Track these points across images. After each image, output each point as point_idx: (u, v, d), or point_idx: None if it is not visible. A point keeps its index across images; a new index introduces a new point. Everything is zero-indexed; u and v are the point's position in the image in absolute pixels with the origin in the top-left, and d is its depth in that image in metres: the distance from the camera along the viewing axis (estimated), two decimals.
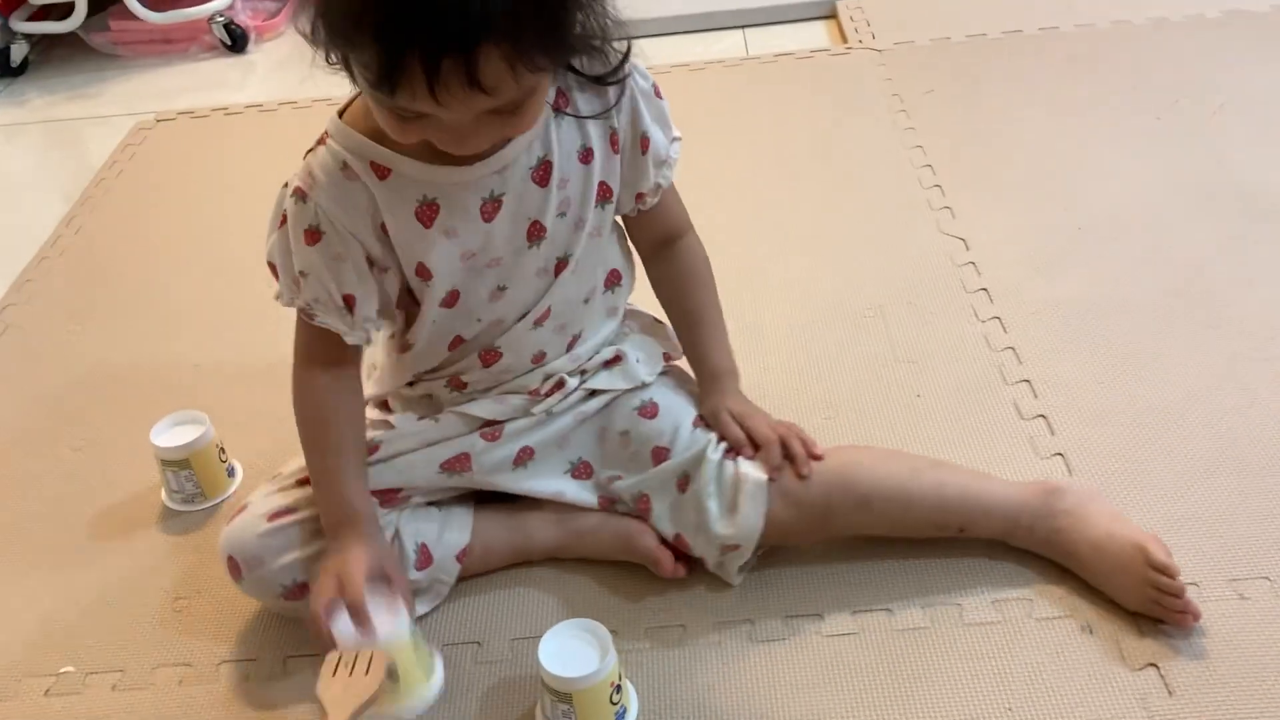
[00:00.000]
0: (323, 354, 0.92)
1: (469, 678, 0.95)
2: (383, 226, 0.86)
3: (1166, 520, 1.02)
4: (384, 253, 0.87)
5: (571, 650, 0.86)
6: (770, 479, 0.95)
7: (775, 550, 1.00)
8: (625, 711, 0.89)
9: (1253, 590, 0.95)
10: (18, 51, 2.18)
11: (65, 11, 2.14)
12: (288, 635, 0.99)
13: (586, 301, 0.98)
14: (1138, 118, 1.64)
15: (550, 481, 1.01)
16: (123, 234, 1.65)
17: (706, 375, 1.03)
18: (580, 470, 1.01)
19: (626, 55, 0.86)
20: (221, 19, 2.16)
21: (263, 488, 0.98)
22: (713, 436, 0.99)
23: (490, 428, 0.98)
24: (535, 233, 0.90)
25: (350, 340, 0.90)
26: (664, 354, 1.05)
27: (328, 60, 0.75)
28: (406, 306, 0.92)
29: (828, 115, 1.75)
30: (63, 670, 1.00)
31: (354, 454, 0.93)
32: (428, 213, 0.86)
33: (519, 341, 0.96)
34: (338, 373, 0.93)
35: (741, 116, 1.77)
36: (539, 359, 0.98)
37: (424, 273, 0.88)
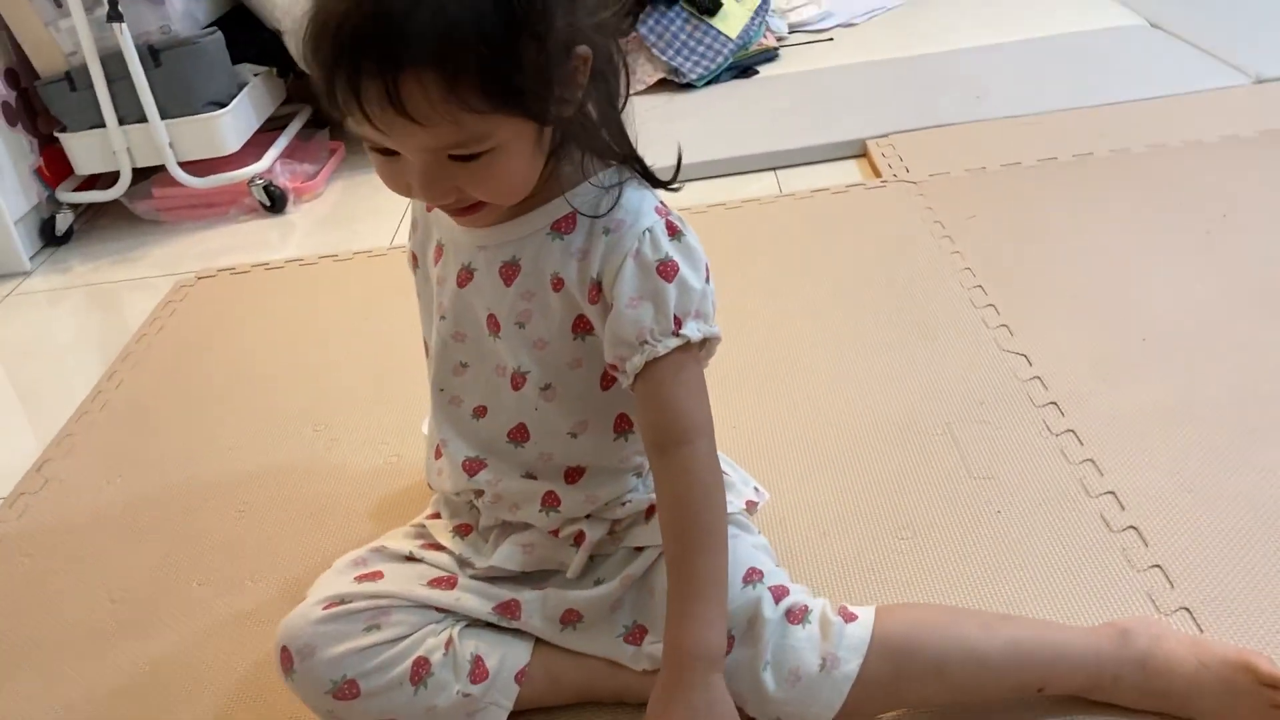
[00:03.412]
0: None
1: None
2: (425, 251, 0.96)
3: (1273, 622, 0.94)
4: (422, 274, 0.98)
5: None
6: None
7: None
8: None
9: None
10: (63, 221, 2.22)
11: (110, 181, 2.19)
12: None
13: (575, 436, 0.92)
14: (1185, 232, 1.63)
15: (603, 644, 0.93)
16: (165, 387, 1.63)
17: (670, 651, 0.84)
18: (635, 635, 0.93)
19: (617, 199, 0.82)
20: (261, 181, 2.20)
21: (320, 580, 0.94)
22: (765, 592, 0.89)
23: (534, 577, 0.94)
24: (492, 326, 0.89)
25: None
26: None
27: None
28: None
29: (872, 245, 1.74)
30: None
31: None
32: (438, 252, 0.93)
33: (500, 453, 0.93)
34: None
35: (782, 251, 1.76)
36: (532, 478, 0.93)
37: (435, 299, 0.94)
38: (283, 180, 2.25)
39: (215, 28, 2.20)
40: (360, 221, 2.12)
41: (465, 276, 0.88)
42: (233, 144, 2.17)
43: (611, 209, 0.83)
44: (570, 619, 0.94)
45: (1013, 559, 1.07)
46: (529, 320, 0.87)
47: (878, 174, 2.00)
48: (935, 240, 1.71)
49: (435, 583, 0.94)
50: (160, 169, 2.17)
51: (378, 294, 1.75)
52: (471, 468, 0.94)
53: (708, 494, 0.84)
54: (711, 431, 0.86)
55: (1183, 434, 1.21)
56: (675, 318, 0.82)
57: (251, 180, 2.20)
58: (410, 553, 0.97)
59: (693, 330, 0.83)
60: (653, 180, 0.86)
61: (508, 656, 0.92)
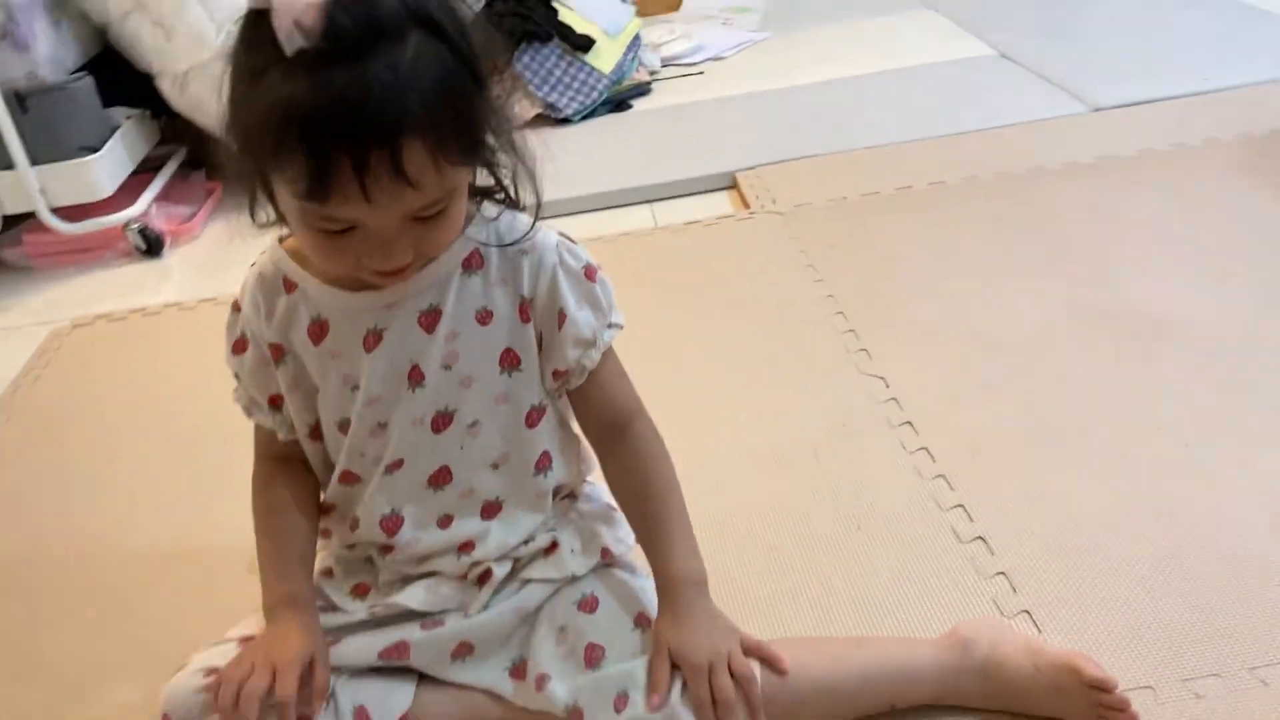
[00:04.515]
0: (267, 448, 0.99)
1: None
2: (289, 338, 0.92)
3: (1111, 629, 1.04)
4: (293, 361, 0.93)
5: None
6: None
7: None
8: None
9: (1206, 688, 0.97)
10: None
11: None
12: None
13: (496, 468, 0.97)
14: (1029, 257, 1.74)
15: (490, 677, 0.97)
16: (41, 440, 1.61)
17: (663, 583, 0.95)
18: (519, 670, 0.97)
19: (536, 216, 0.89)
20: (136, 225, 2.19)
21: (203, 648, 0.95)
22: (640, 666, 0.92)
23: (428, 617, 0.97)
24: (415, 377, 0.91)
25: (282, 436, 0.97)
26: (604, 548, 1.00)
27: (252, 199, 0.81)
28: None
29: (742, 275, 1.82)
30: None
31: (302, 541, 0.97)
32: (317, 331, 0.91)
33: (419, 500, 0.96)
34: (286, 465, 0.99)
35: (656, 282, 1.83)
36: (447, 525, 0.97)
37: (314, 388, 0.93)
38: (159, 223, 2.24)
39: (85, 72, 2.18)
40: (240, 263, 2.10)
41: (373, 340, 0.90)
42: (106, 188, 2.16)
43: (525, 235, 0.90)
44: (462, 652, 0.97)
45: (872, 575, 1.15)
46: (456, 361, 0.91)
47: (747, 205, 2.09)
48: (800, 269, 1.80)
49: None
50: (31, 215, 2.14)
51: None
52: (390, 525, 0.96)
53: (662, 455, 0.98)
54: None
55: (1026, 451, 1.31)
56: (606, 313, 0.94)
57: (126, 224, 2.18)
58: None
59: (619, 319, 0.95)
60: (517, 207, 0.91)
61: (389, 701, 0.95)
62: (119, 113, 2.28)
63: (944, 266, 1.75)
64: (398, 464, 0.94)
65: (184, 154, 2.46)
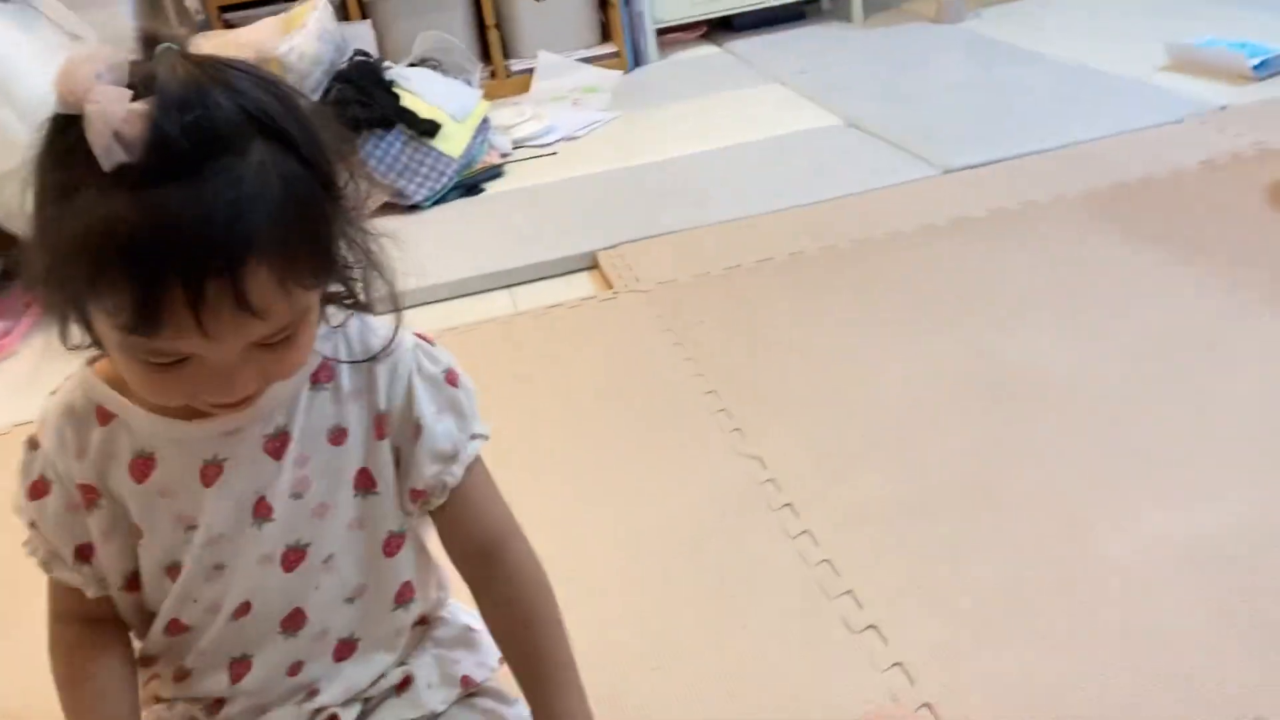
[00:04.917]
0: (70, 607, 0.83)
1: None
2: (105, 479, 0.78)
3: (1027, 708, 0.97)
4: (110, 504, 0.78)
5: None
6: None
7: None
8: None
9: None
10: None
11: None
12: None
13: (351, 601, 0.85)
14: (895, 322, 1.72)
15: None
16: None
17: None
18: None
19: (396, 329, 0.80)
20: None
21: None
22: None
23: None
24: (261, 511, 0.79)
25: (90, 594, 0.81)
26: (463, 676, 0.91)
27: (62, 324, 0.69)
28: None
29: (609, 357, 1.75)
30: None
31: (126, 707, 0.82)
32: (140, 468, 0.77)
33: (268, 645, 0.84)
34: (94, 626, 0.83)
35: (518, 371, 1.74)
36: (296, 672, 0.85)
37: (135, 533, 0.79)
38: None
39: None
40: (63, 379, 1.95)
41: (213, 472, 0.77)
42: None
43: (387, 346, 0.80)
44: None
45: (763, 673, 1.07)
46: (307, 488, 0.80)
47: (609, 285, 2.03)
48: (668, 348, 1.74)
49: None
50: None
51: None
52: (238, 670, 0.84)
53: (541, 585, 0.87)
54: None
55: (910, 524, 1.26)
56: (469, 422, 0.84)
57: None
58: None
59: (482, 429, 0.85)
60: (367, 310, 0.81)
61: None
62: None
63: (811, 336, 1.71)
64: (244, 608, 0.82)
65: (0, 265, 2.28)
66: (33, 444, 0.80)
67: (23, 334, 2.17)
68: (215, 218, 0.60)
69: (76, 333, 0.70)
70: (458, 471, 0.83)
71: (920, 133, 2.51)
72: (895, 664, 1.06)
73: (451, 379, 0.83)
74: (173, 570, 0.80)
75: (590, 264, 2.16)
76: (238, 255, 0.61)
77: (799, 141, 2.62)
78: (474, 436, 0.84)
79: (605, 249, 2.15)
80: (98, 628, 0.83)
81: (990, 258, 1.90)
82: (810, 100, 2.91)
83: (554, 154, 2.78)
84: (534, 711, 0.86)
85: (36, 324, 2.22)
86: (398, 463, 0.83)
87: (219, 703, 0.85)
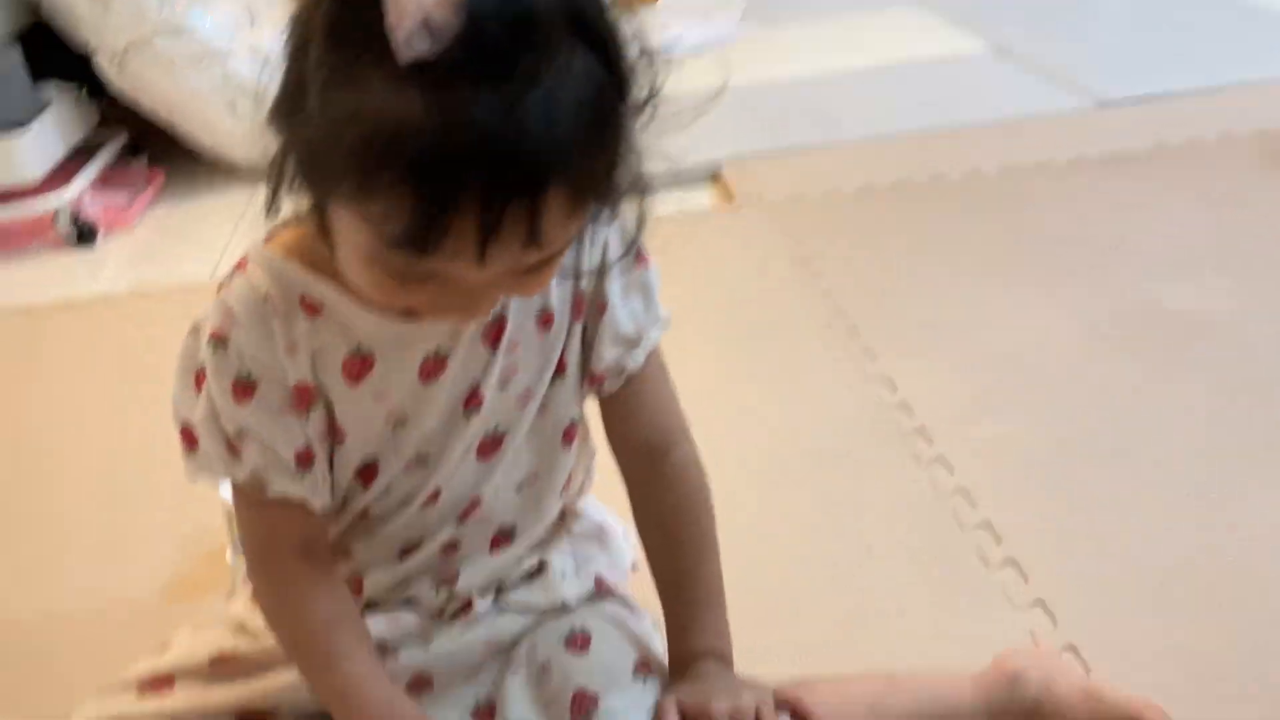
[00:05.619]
0: (289, 536, 0.72)
1: None
2: (319, 378, 0.69)
3: (1158, 659, 0.89)
4: (322, 405, 0.70)
5: None
6: None
7: None
8: None
9: None
10: None
11: None
12: None
13: (519, 490, 0.79)
14: (1037, 255, 1.60)
15: (448, 717, 0.78)
16: None
17: (677, 656, 0.78)
18: (483, 713, 0.78)
19: (642, 220, 0.70)
20: (68, 212, 2.00)
21: (89, 701, 0.78)
22: (653, 699, 0.76)
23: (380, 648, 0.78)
24: (473, 402, 0.73)
25: (317, 504, 0.71)
26: (597, 576, 0.84)
27: (274, 194, 0.60)
28: None
29: (729, 272, 1.67)
30: None
31: (370, 652, 0.73)
32: (357, 367, 0.69)
33: (438, 537, 0.78)
34: (314, 558, 0.73)
35: None
36: (450, 557, 0.79)
37: (337, 434, 0.71)
38: (92, 211, 2.06)
39: (14, 42, 2.00)
40: (179, 254, 1.95)
41: (434, 366, 0.71)
42: (34, 170, 1.97)
43: (633, 242, 0.73)
44: (418, 687, 0.79)
45: (889, 603, 0.99)
46: (514, 375, 0.74)
47: (732, 198, 1.94)
48: (791, 266, 1.65)
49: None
50: None
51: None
52: (403, 557, 0.79)
53: (707, 498, 0.81)
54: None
55: (1052, 464, 1.16)
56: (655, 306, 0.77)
57: (57, 211, 2.00)
58: (218, 653, 0.80)
59: (666, 314, 0.78)
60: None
61: None
62: (51, 88, 2.10)
63: (947, 264, 1.61)
64: (433, 496, 0.76)
65: (124, 138, 2.27)
66: (219, 339, 0.67)
67: (143, 207, 2.17)
68: (529, 133, 0.51)
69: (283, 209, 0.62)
70: (640, 357, 0.76)
71: (1074, 60, 2.35)
72: (1037, 601, 0.97)
73: (641, 256, 0.75)
74: (366, 471, 0.74)
75: (713, 176, 2.07)
76: (542, 179, 0.52)
77: (940, 64, 2.48)
78: (656, 320, 0.77)
79: (730, 160, 2.06)
80: (313, 556, 0.73)
81: (1148, 196, 1.76)
82: (957, 23, 2.75)
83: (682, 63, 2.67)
84: (669, 632, 0.79)
85: (156, 199, 2.22)
86: (584, 344, 0.76)
87: (359, 582, 0.80)
